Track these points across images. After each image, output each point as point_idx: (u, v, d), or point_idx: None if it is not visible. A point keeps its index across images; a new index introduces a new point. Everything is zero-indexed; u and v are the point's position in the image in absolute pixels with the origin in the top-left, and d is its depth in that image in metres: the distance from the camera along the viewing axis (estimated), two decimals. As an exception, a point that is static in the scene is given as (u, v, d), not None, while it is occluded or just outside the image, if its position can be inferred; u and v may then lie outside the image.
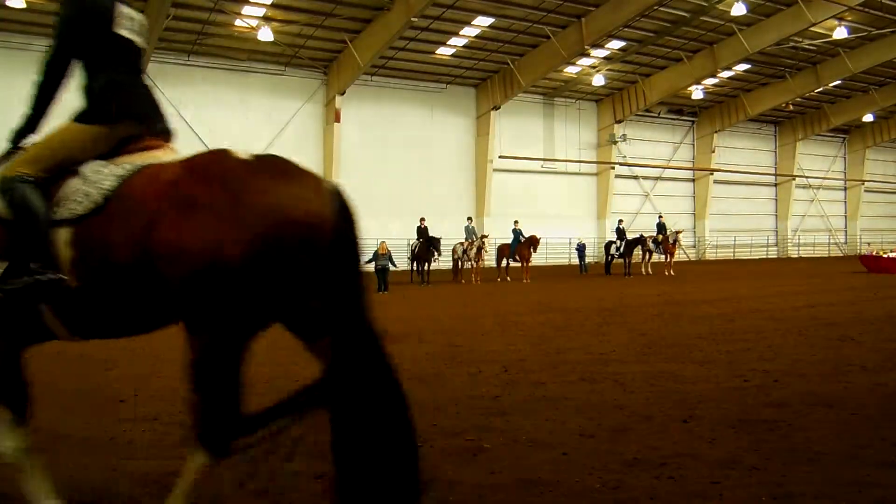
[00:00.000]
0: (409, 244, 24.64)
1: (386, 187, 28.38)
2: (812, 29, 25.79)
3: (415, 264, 20.01)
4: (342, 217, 2.49)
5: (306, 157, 26.87)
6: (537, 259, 23.47)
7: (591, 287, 18.42)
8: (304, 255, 2.33)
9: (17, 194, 2.45)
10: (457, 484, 3.55)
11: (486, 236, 19.88)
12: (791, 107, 36.16)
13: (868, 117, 38.51)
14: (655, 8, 23.87)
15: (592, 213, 34.41)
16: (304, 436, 2.72)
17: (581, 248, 25.18)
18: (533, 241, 20.12)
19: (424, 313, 12.13)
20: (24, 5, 20.06)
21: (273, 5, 22.35)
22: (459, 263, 20.75)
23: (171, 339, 8.48)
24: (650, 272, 23.06)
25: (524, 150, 31.49)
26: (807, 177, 41.42)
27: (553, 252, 30.68)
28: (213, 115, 25.10)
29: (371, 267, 17.03)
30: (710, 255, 38.01)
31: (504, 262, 21.20)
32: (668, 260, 23.02)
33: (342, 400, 2.45)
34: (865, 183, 43.50)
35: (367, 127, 28.06)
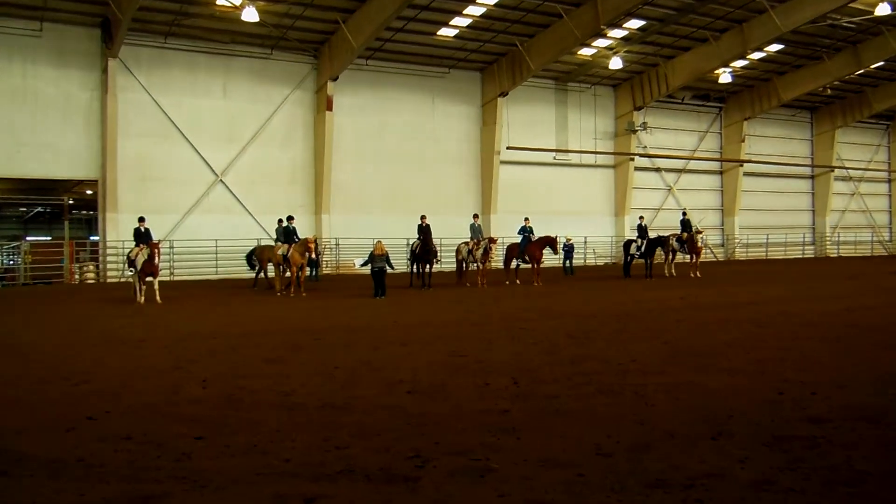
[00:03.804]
0: (408, 244, 24.63)
1: (383, 182, 28.40)
2: (852, 5, 25.67)
3: (415, 266, 20.01)
4: None
5: (295, 149, 26.97)
6: (549, 260, 23.46)
7: (609, 290, 18.37)
8: None
9: None
10: (461, 508, 3.54)
11: (494, 240, 19.80)
12: (829, 91, 36.06)
13: (914, 102, 38.45)
14: (678, -18, 23.84)
15: (610, 209, 34.38)
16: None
17: (569, 248, 25.09)
18: (548, 242, 20.08)
19: (426, 320, 12.10)
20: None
21: (258, -18, 22.39)
22: (464, 265, 20.72)
23: (143, 351, 8.51)
24: (674, 274, 22.98)
25: (534, 140, 31.49)
26: (847, 168, 41.30)
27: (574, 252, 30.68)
28: (193, 103, 25.16)
29: (367, 269, 17.02)
30: (740, 254, 37.93)
31: (513, 264, 21.17)
32: (694, 260, 22.96)
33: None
34: (912, 174, 43.51)
35: (362, 116, 28.08)
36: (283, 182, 26.71)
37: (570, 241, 25.64)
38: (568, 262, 25.29)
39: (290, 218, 18.34)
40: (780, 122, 39.30)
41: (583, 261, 32.35)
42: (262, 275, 19.71)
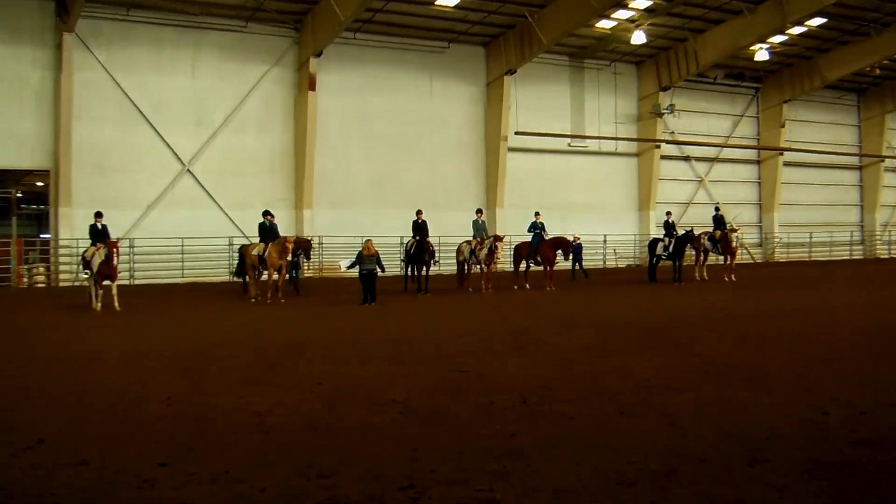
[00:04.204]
0: (402, 243, 24.61)
1: (373, 172, 28.40)
2: (905, -27, 25.76)
3: (410, 269, 19.99)
4: None
5: (273, 135, 26.98)
6: (562, 262, 23.47)
7: (632, 297, 18.34)
8: None
9: None
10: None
11: (500, 239, 19.78)
12: (877, 71, 36.06)
13: (976, 83, 38.47)
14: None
15: (632, 203, 34.42)
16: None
17: (576, 249, 24.11)
18: (560, 244, 20.06)
19: (422, 330, 12.08)
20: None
21: (232, -54, 22.44)
22: (466, 267, 20.71)
23: (100, 365, 8.52)
24: (705, 277, 22.94)
25: (546, 124, 31.52)
26: (899, 158, 41.42)
27: (583, 252, 30.59)
28: (158, 83, 25.15)
29: (354, 272, 17.00)
30: (780, 256, 37.97)
31: (522, 266, 21.17)
32: (729, 262, 22.96)
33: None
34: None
35: (350, 97, 28.08)
36: (259, 172, 26.70)
37: (578, 240, 24.93)
38: (577, 264, 24.79)
39: (266, 213, 18.33)
40: (823, 106, 39.35)
41: (601, 263, 32.35)
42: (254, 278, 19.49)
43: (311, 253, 19.65)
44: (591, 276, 24.42)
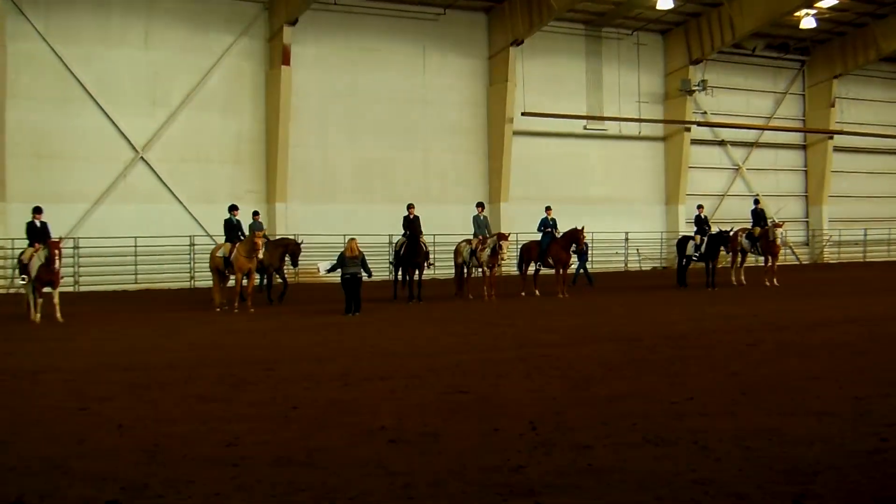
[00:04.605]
0: (391, 243, 24.57)
1: (357, 160, 28.36)
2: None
3: (400, 272, 19.98)
4: None
5: (241, 116, 26.94)
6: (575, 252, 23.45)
7: (659, 305, 18.34)
8: None
9: None
10: None
11: (505, 238, 19.75)
12: (944, 40, 36.09)
13: None
14: None
15: (658, 195, 34.45)
16: None
17: (583, 253, 23.45)
18: (574, 237, 20.06)
19: (414, 344, 12.05)
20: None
21: None
22: (465, 270, 20.71)
23: (39, 386, 8.46)
24: (743, 282, 22.95)
25: (559, 104, 31.51)
26: (969, 141, 41.45)
27: (602, 252, 30.69)
28: (105, 56, 25.08)
29: (336, 276, 16.97)
30: (830, 256, 38.01)
31: (531, 269, 21.16)
32: (770, 264, 22.99)
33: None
34: None
35: (331, 72, 28.05)
36: (224, 160, 26.66)
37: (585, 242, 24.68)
38: (580, 267, 24.64)
39: (233, 208, 18.32)
40: (880, 82, 39.42)
41: (622, 265, 32.36)
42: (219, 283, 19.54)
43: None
44: (595, 284, 24.05)
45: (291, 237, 21.26)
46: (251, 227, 19.55)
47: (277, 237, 21.02)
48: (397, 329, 14.26)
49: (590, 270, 25.29)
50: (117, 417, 7.06)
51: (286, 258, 19.37)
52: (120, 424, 6.79)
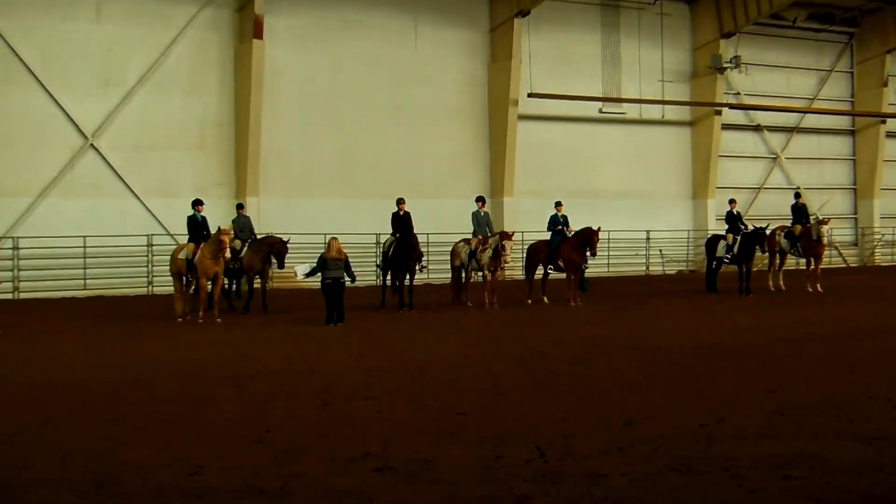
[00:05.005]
0: (378, 243, 24.52)
1: (340, 149, 28.30)
2: None
3: (389, 276, 19.97)
4: None
5: (206, 98, 26.86)
6: (593, 265, 23.42)
7: (685, 313, 18.33)
8: None
9: None
10: None
11: (509, 237, 19.70)
12: None
13: None
14: None
15: (684, 188, 34.43)
16: None
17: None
18: (587, 239, 20.03)
19: (405, 358, 12.05)
20: None
21: None
22: (463, 274, 20.70)
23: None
24: (782, 287, 22.92)
25: (570, 84, 31.45)
26: None
27: (620, 254, 30.71)
28: (51, 31, 25.01)
29: (315, 281, 16.96)
30: (882, 257, 37.98)
31: (539, 272, 21.15)
32: (813, 267, 22.98)
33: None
34: None
35: (309, 47, 27.96)
36: (187, 148, 26.59)
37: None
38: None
39: (197, 203, 18.31)
40: (941, 58, 39.36)
41: (643, 268, 32.36)
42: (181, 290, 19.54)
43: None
44: (590, 288, 23.85)
45: (276, 235, 21.08)
46: (234, 222, 19.68)
47: (262, 235, 20.89)
48: (385, 341, 14.25)
49: (605, 273, 25.32)
50: (62, 443, 7.05)
51: (272, 259, 19.38)
52: (65, 452, 6.77)
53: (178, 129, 26.48)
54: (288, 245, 19.59)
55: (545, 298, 20.78)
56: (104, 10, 25.71)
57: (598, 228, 20.24)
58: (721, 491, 5.50)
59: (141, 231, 25.20)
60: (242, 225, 19.98)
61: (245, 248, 19.35)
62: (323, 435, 7.25)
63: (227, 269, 18.53)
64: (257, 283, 20.01)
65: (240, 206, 20.54)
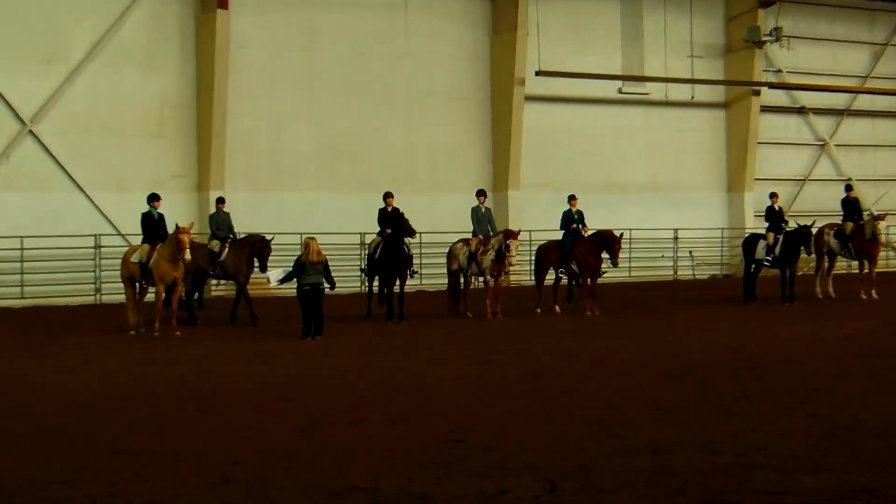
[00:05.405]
0: (363, 244, 24.50)
1: (318, 135, 28.30)
2: None
3: (376, 282, 19.99)
4: None
5: (164, 76, 26.84)
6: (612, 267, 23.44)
7: (718, 324, 18.35)
8: None
9: None
10: None
11: (514, 236, 19.71)
12: None
13: None
14: None
15: (718, 180, 34.53)
16: None
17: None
18: (607, 244, 20.04)
19: (395, 376, 12.05)
20: None
21: None
22: (462, 279, 20.72)
23: None
24: (831, 293, 23.00)
25: (585, 60, 31.53)
26: None
27: (643, 256, 30.68)
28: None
29: (291, 287, 16.93)
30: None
31: (549, 277, 21.17)
32: (867, 270, 23.01)
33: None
34: None
35: (282, 17, 27.99)
36: (143, 134, 26.57)
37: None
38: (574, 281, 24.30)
39: (153, 198, 18.28)
40: None
41: (671, 272, 32.38)
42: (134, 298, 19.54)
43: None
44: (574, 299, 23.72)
45: (259, 234, 21.00)
46: (211, 218, 19.58)
47: (242, 235, 20.81)
48: (372, 357, 14.25)
49: (626, 278, 25.34)
50: (-3, 476, 7.02)
51: (254, 262, 19.37)
52: (0, 488, 6.73)
53: (132, 112, 26.44)
54: (270, 243, 19.60)
55: (557, 307, 20.82)
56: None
57: (621, 235, 20.21)
58: (765, 531, 5.48)
59: (87, 230, 25.16)
60: (221, 222, 19.87)
61: (227, 250, 19.28)
62: (300, 467, 7.21)
63: (199, 274, 18.57)
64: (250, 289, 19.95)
65: (220, 201, 20.52)
